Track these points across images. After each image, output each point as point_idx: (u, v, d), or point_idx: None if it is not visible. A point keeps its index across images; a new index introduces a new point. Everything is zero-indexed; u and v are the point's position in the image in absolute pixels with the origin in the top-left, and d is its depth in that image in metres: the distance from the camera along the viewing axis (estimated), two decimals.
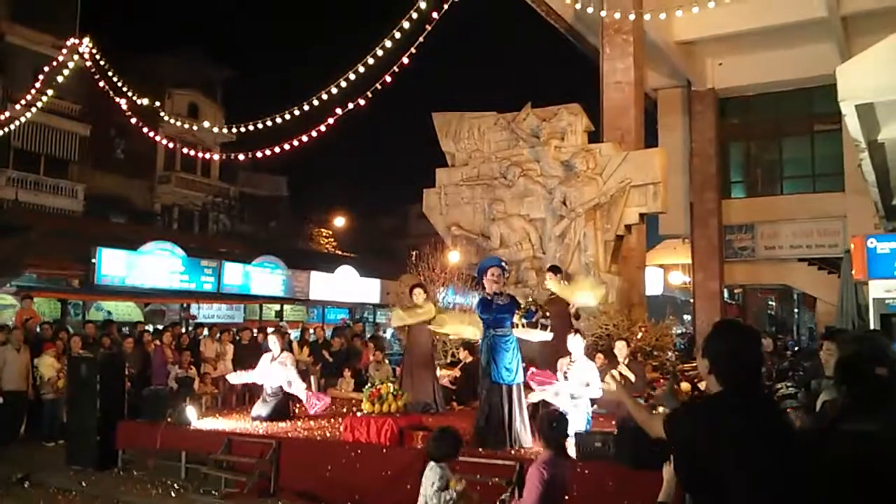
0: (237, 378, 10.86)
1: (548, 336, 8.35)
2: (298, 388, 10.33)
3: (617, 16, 13.58)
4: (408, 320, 10.36)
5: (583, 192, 12.43)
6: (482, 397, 8.14)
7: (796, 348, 20.27)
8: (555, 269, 10.09)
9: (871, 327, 11.38)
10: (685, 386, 10.92)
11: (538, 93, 13.62)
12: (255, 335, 15.20)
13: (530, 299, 8.63)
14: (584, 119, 13.06)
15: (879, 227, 14.63)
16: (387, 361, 13.29)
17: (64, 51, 17.32)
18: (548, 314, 8.45)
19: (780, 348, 17.99)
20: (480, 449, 7.79)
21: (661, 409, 3.70)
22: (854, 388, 3.14)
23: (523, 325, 8.07)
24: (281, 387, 10.14)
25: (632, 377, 9.68)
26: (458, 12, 12.02)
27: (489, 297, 8.18)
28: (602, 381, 8.76)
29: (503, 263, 8.62)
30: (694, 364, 11.99)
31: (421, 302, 10.40)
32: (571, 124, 13.02)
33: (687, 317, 26.49)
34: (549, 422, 4.87)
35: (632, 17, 13.62)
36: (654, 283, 23.69)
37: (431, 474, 4.96)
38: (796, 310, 32.85)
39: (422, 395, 10.00)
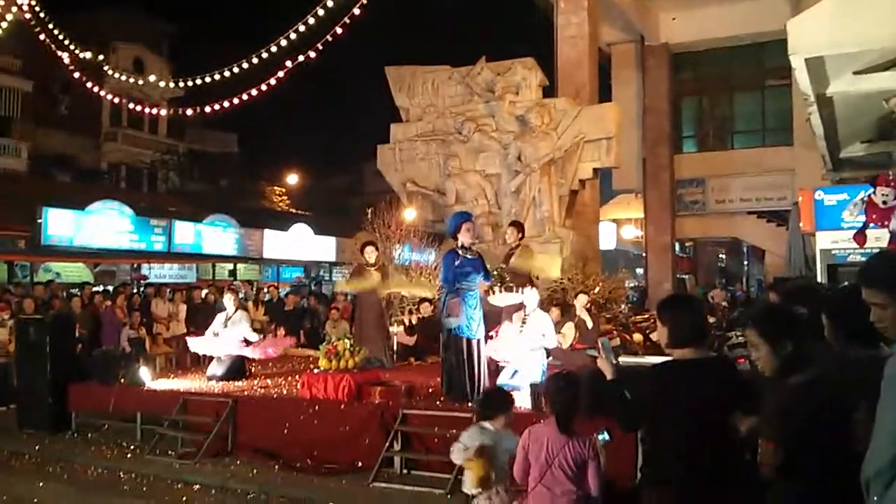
0: (199, 345, 10.35)
1: (518, 297, 8.44)
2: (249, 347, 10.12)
3: None
4: (349, 288, 10.27)
5: (538, 147, 12.42)
6: (444, 350, 8.19)
7: (746, 299, 20.74)
8: (517, 225, 10.07)
9: (818, 277, 11.68)
10: (637, 337, 11.14)
11: (493, 46, 13.46)
12: (205, 295, 15.06)
13: (501, 266, 8.78)
14: (538, 73, 13.00)
15: (827, 179, 14.92)
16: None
17: (2, 2, 16.61)
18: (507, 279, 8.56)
19: (729, 299, 18.45)
20: (439, 402, 7.87)
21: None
22: (781, 339, 3.20)
23: (493, 292, 8.18)
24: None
25: (589, 322, 9.83)
26: None
27: (455, 251, 8.19)
28: (557, 332, 8.89)
29: (472, 218, 8.70)
30: (645, 316, 12.23)
31: (372, 260, 10.36)
32: (526, 79, 12.96)
33: (639, 270, 26.87)
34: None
35: None
36: (607, 238, 23.93)
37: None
38: (746, 262, 33.52)
39: (372, 351, 9.98)
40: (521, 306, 8.57)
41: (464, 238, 8.21)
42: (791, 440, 3.02)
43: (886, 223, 9.19)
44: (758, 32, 18.29)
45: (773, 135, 20.57)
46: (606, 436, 3.77)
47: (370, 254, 10.39)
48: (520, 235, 9.82)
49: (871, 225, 9.57)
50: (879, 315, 2.58)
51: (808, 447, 2.96)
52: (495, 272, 8.52)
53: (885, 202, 9.00)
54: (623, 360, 6.30)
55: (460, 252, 8.16)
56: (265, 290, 18.03)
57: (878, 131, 11.28)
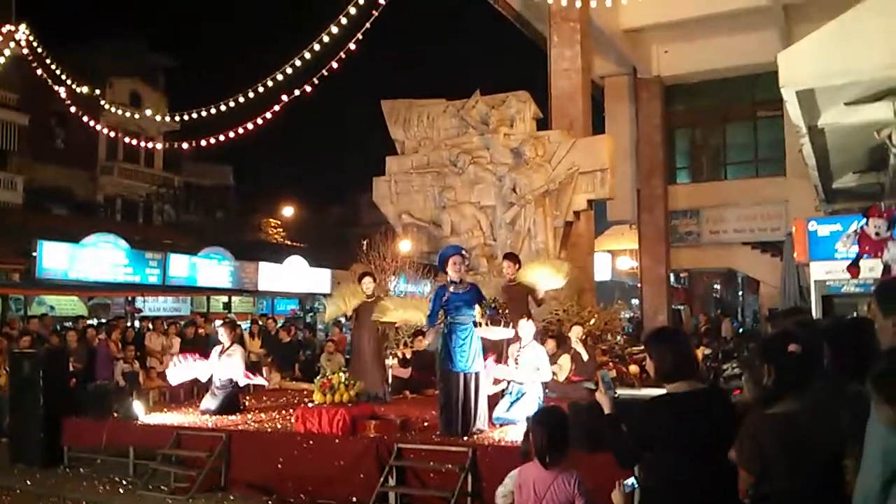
0: (177, 375, 10.26)
1: (509, 332, 8.36)
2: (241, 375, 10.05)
3: (564, 3, 13.59)
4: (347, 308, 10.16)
5: (532, 179, 12.47)
6: (439, 385, 8.14)
7: (740, 330, 20.72)
8: (512, 257, 10.04)
9: (813, 308, 11.68)
10: (633, 368, 11.10)
11: (487, 80, 13.58)
12: (197, 329, 14.99)
13: (492, 298, 8.66)
14: (532, 106, 13.09)
15: (820, 210, 15.00)
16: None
17: None
18: (506, 309, 8.48)
19: (704, 330, 18.44)
20: (434, 437, 7.81)
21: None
22: (772, 370, 3.21)
23: (486, 324, 8.05)
24: (230, 379, 9.96)
25: (584, 354, 9.79)
26: None
27: (445, 285, 8.17)
28: (553, 364, 8.84)
29: (463, 251, 8.63)
30: (641, 347, 12.18)
31: (370, 291, 10.29)
32: (520, 111, 13.04)
33: (635, 301, 26.87)
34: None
35: (578, 4, 13.64)
36: (602, 269, 23.95)
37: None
38: (741, 292, 33.54)
39: (370, 385, 9.90)
40: (516, 338, 8.54)
41: (451, 272, 8.19)
42: (761, 468, 3.02)
43: (880, 254, 9.20)
44: (749, 65, 18.47)
45: (765, 165, 20.71)
46: (634, 482, 3.65)
47: (367, 284, 10.34)
48: (517, 267, 9.81)
49: (865, 256, 9.59)
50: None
51: (779, 476, 2.96)
52: (485, 301, 8.35)
53: (877, 234, 9.00)
54: (619, 391, 6.27)
55: (451, 288, 8.14)
56: (261, 322, 17.96)
57: (869, 162, 11.37)
